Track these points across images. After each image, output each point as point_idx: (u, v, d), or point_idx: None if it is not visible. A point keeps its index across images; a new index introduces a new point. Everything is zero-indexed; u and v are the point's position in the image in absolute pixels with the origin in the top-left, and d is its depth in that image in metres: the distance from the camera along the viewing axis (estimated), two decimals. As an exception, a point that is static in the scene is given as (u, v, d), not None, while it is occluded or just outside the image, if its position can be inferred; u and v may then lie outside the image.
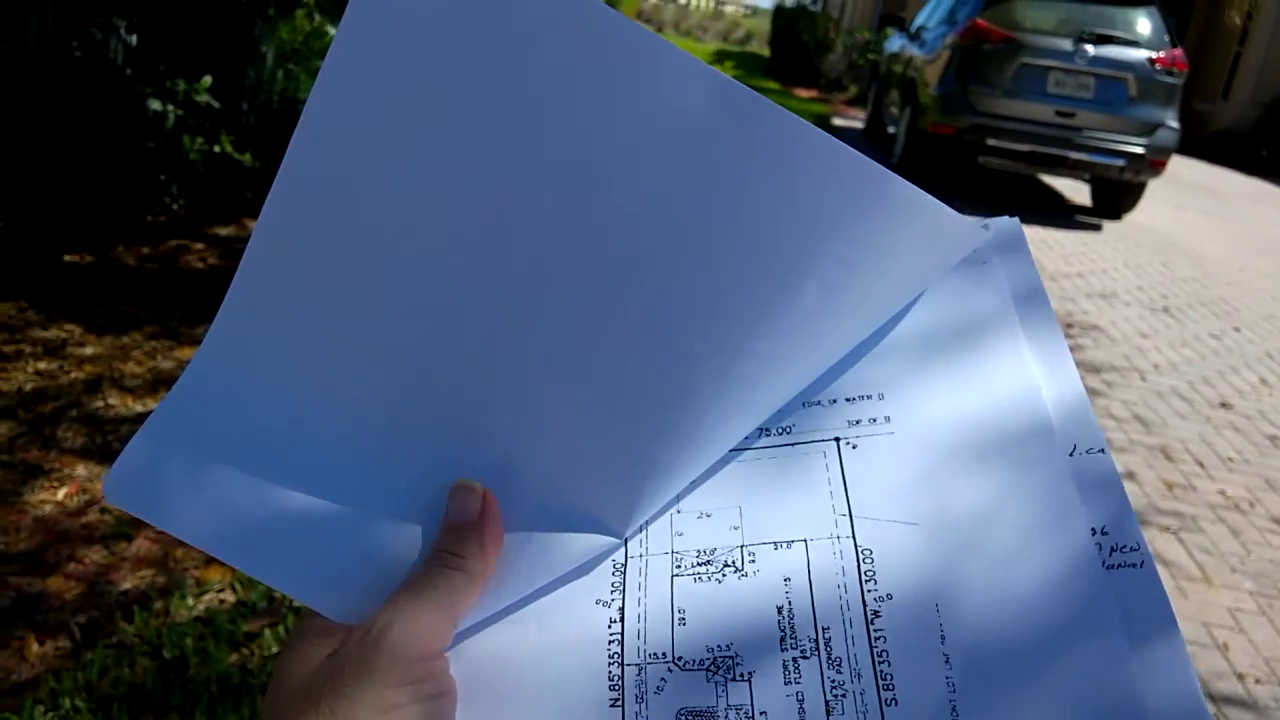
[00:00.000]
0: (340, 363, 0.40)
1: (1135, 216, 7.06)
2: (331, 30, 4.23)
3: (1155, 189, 7.20)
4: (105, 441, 2.29)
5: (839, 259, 0.39)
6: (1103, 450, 0.38)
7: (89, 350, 2.73)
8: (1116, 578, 0.34)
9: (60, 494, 2.07)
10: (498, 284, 0.39)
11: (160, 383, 2.59)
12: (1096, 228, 6.66)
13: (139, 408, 2.46)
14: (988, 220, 0.45)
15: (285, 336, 0.41)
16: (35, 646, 1.63)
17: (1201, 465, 3.07)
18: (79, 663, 1.60)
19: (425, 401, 0.40)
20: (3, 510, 1.98)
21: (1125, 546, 0.35)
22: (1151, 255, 6.02)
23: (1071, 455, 0.38)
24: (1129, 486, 2.84)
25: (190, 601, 1.76)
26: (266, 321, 0.41)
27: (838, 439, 0.40)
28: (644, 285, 0.38)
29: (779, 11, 19.06)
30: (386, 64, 0.38)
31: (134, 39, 3.50)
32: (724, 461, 0.40)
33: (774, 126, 0.37)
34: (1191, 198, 8.61)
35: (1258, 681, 2.04)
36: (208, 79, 3.63)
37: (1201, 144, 12.72)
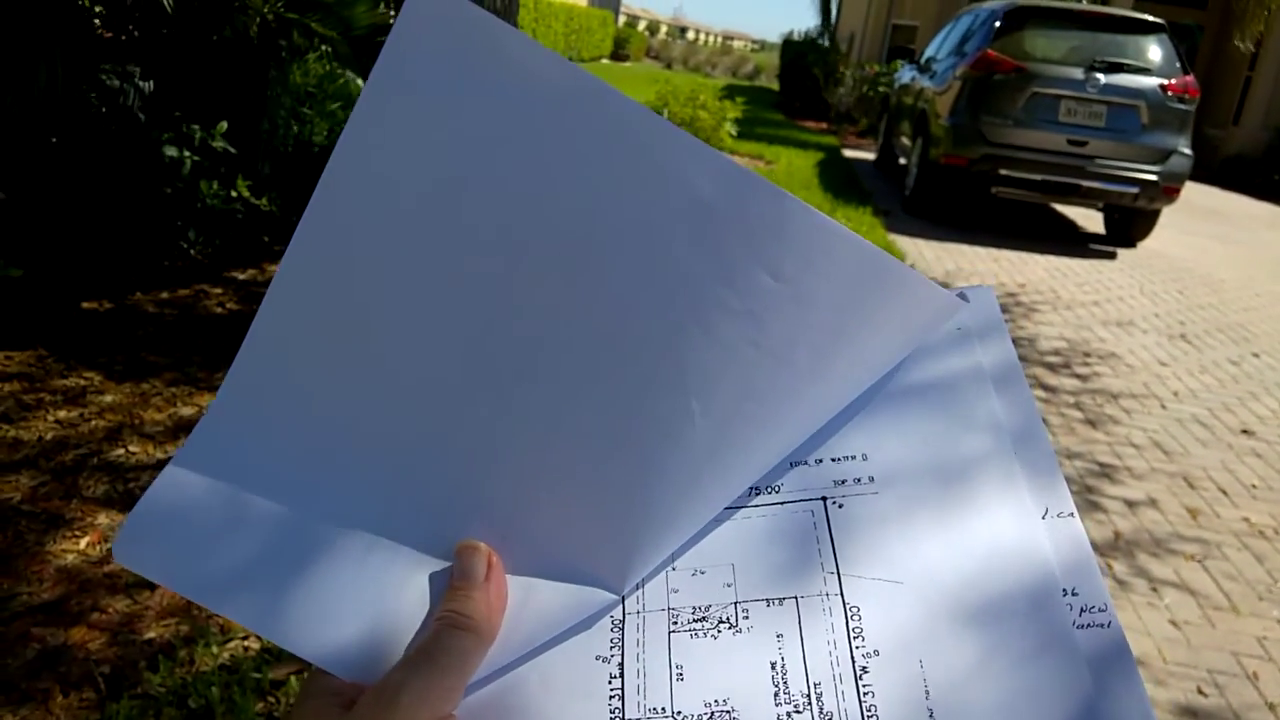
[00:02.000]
0: (348, 427, 0.41)
1: (1149, 244, 7.05)
2: (347, 75, 4.29)
3: (1169, 215, 7.19)
4: (127, 489, 2.30)
5: (831, 330, 0.41)
6: (1072, 514, 0.40)
7: (109, 398, 2.75)
8: (1086, 637, 0.37)
9: (83, 543, 2.07)
10: (502, 350, 0.41)
11: (181, 429, 2.61)
12: (1111, 256, 6.65)
13: (160, 455, 2.47)
14: (964, 289, 0.48)
15: (294, 399, 0.42)
16: (60, 699, 1.63)
17: (1224, 492, 3.04)
18: (104, 714, 1.59)
19: (431, 462, 0.41)
20: (25, 560, 1.99)
21: (1094, 607, 0.37)
22: (1167, 282, 6.00)
23: (1044, 518, 0.40)
24: (1151, 514, 2.81)
25: (215, 650, 1.76)
26: (274, 385, 0.42)
27: (825, 498, 0.42)
28: (643, 354, 0.40)
29: (787, 45, 19.22)
30: (404, 135, 0.40)
31: (149, 85, 3.54)
32: (716, 520, 0.42)
33: (770, 205, 0.39)
34: (1205, 224, 8.60)
35: (1291, 714, 2.00)
36: (224, 124, 3.66)
37: (1214, 169, 12.70)
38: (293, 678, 1.70)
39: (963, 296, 0.47)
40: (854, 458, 0.43)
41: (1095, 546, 2.56)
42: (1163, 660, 2.14)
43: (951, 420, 0.44)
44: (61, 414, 2.63)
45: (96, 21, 3.69)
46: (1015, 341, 3.59)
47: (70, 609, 1.86)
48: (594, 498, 0.40)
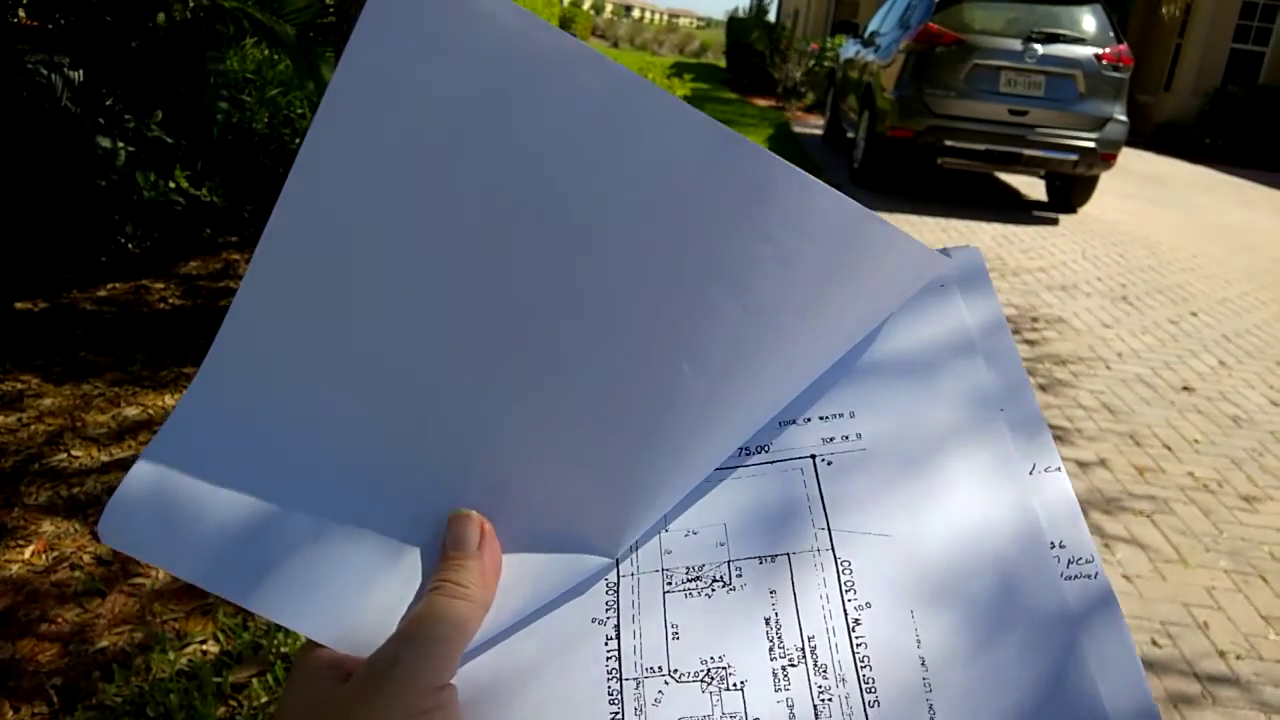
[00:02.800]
0: (336, 396, 0.41)
1: (1090, 209, 7.19)
2: (287, 60, 4.18)
3: (1107, 181, 7.34)
4: (71, 495, 2.22)
5: (817, 290, 0.41)
6: (1059, 469, 0.41)
7: (48, 401, 2.66)
8: (1073, 588, 0.37)
9: (28, 553, 2.00)
10: (488, 316, 0.40)
11: (126, 431, 2.53)
12: (1053, 222, 6.77)
13: (105, 458, 2.40)
14: (951, 249, 0.48)
15: (280, 370, 0.41)
16: (10, 715, 1.58)
17: (1169, 449, 3.13)
18: (58, 728, 1.54)
19: (420, 432, 0.41)
20: (-32, 573, 1.92)
21: (1081, 559, 0.38)
22: (1108, 246, 6.13)
23: (1031, 473, 0.41)
24: (1102, 474, 2.88)
25: (172, 656, 1.71)
26: (260, 355, 0.41)
27: (814, 456, 0.43)
28: (632, 318, 0.40)
29: (732, 22, 19.20)
30: (381, 107, 0.39)
31: (79, 75, 3.42)
32: (708, 481, 0.42)
33: (756, 166, 0.39)
34: (1142, 188, 8.80)
35: (1239, 658, 2.09)
36: (159, 113, 3.55)
37: (1148, 135, 13.00)
38: (254, 680, 1.67)
39: (946, 253, 0.47)
40: (842, 415, 0.44)
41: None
42: (1118, 615, 2.21)
43: (938, 377, 0.44)
44: (-1, 419, 2.54)
45: (21, 13, 3.55)
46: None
47: (18, 620, 1.80)
48: (585, 463, 0.40)
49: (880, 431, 0.43)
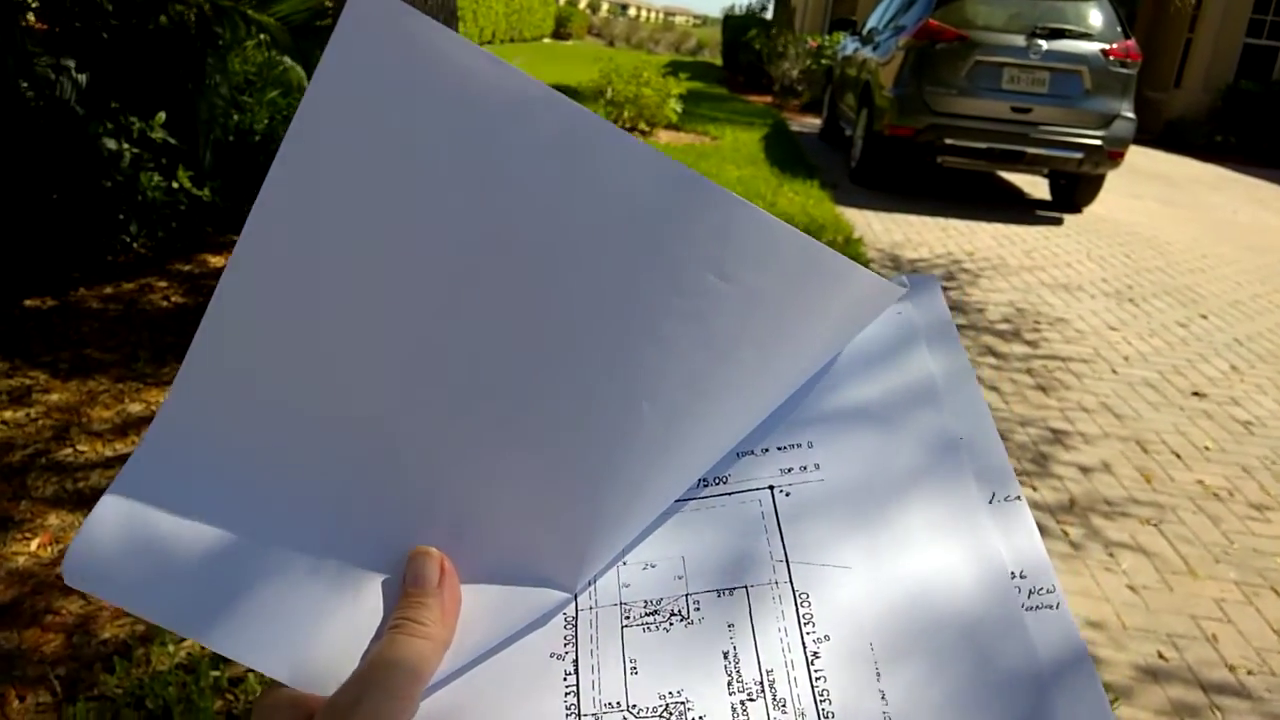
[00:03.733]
0: (299, 432, 0.41)
1: (1095, 208, 7.16)
2: (286, 61, 4.19)
3: (1114, 180, 7.31)
4: (76, 489, 2.25)
5: (774, 323, 0.42)
6: (1019, 498, 0.41)
7: (55, 397, 2.68)
8: (1035, 619, 0.37)
9: (34, 544, 2.03)
10: (449, 357, 0.40)
11: (129, 426, 2.55)
12: (1057, 221, 6.75)
13: (109, 453, 2.42)
14: (907, 275, 0.49)
15: (240, 411, 0.41)
16: (16, 703, 1.60)
17: (1177, 455, 3.09)
18: (61, 718, 1.56)
19: (381, 468, 0.41)
20: (-26, 566, 1.94)
21: (1042, 589, 0.38)
22: (1114, 246, 6.11)
23: (990, 502, 0.41)
24: (1105, 478, 2.87)
25: (171, 649, 1.73)
26: (219, 397, 0.41)
27: (772, 487, 0.43)
28: (591, 354, 0.40)
29: (729, 20, 19.17)
30: (345, 142, 0.40)
31: (84, 78, 3.44)
32: (666, 513, 0.42)
33: (713, 205, 0.40)
34: (1150, 187, 8.77)
35: (1250, 673, 2.03)
36: (162, 115, 3.57)
37: (1156, 133, 12.93)
38: (251, 675, 1.68)
39: (903, 283, 0.48)
40: (800, 445, 0.44)
41: (1050, 511, 2.62)
42: (1122, 625, 2.17)
43: (895, 406, 0.44)
44: (7, 414, 2.56)
45: (30, 16, 3.58)
46: (963, 309, 3.60)
47: (23, 611, 1.83)
48: (545, 498, 0.40)
49: (839, 462, 0.43)
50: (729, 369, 0.41)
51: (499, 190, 0.40)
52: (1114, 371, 3.82)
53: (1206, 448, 3.17)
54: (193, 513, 0.40)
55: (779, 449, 0.44)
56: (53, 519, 2.12)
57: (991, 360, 3.79)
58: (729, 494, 0.43)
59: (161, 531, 0.39)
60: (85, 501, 2.19)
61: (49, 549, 2.02)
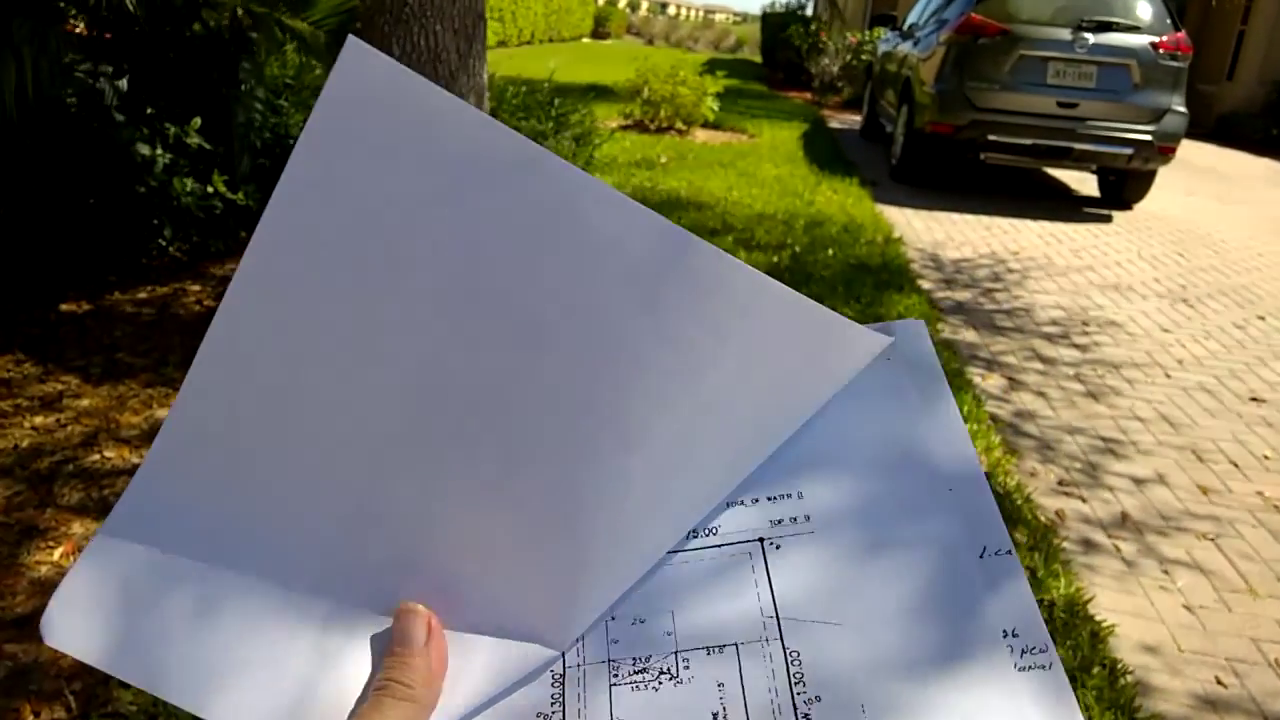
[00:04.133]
0: (281, 491, 0.41)
1: (1146, 205, 6.95)
2: (321, 68, 4.20)
3: (1165, 176, 7.08)
4: (102, 496, 2.23)
5: (763, 377, 0.43)
6: (1010, 552, 0.40)
7: (85, 402, 2.68)
8: (1027, 680, 0.36)
9: (57, 554, 2.01)
10: (439, 412, 0.40)
11: (155, 432, 2.53)
12: (1106, 219, 6.56)
13: (135, 460, 2.40)
14: (894, 323, 0.49)
15: (224, 463, 0.41)
16: (31, 718, 1.58)
17: (1236, 465, 2.94)
18: (74, 736, 1.54)
19: (369, 523, 0.41)
20: (-2, 574, 1.93)
21: (1035, 648, 0.37)
22: (1166, 245, 5.92)
23: (981, 558, 0.40)
24: (1160, 491, 2.74)
25: (189, 665, 1.70)
26: (204, 449, 0.41)
27: (761, 539, 0.42)
28: (581, 413, 0.40)
29: (768, 17, 19.04)
30: (335, 199, 0.40)
31: (125, 83, 3.47)
32: (655, 566, 0.42)
33: (703, 262, 0.40)
34: (1203, 183, 8.50)
35: (1315, 699, 1.91)
36: (197, 120, 3.59)
37: (1209, 127, 12.60)
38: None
39: (889, 331, 0.48)
40: (790, 496, 0.44)
41: (1101, 526, 2.51)
42: (1177, 649, 2.05)
43: (883, 455, 0.44)
44: (38, 420, 2.57)
45: (80, 24, 3.61)
46: (1009, 311, 3.49)
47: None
48: (534, 555, 0.40)
49: (828, 513, 0.43)
50: (718, 422, 0.42)
51: (487, 248, 0.40)
52: (1168, 376, 3.66)
53: (1266, 457, 3.01)
54: (173, 572, 0.39)
55: (769, 499, 0.44)
56: (76, 527, 2.11)
57: (1038, 365, 3.66)
58: (719, 546, 0.42)
59: (141, 591, 0.39)
60: (109, 510, 2.17)
61: (71, 558, 2.00)
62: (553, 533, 0.40)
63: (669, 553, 0.42)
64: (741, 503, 0.44)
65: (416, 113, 0.39)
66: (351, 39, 0.39)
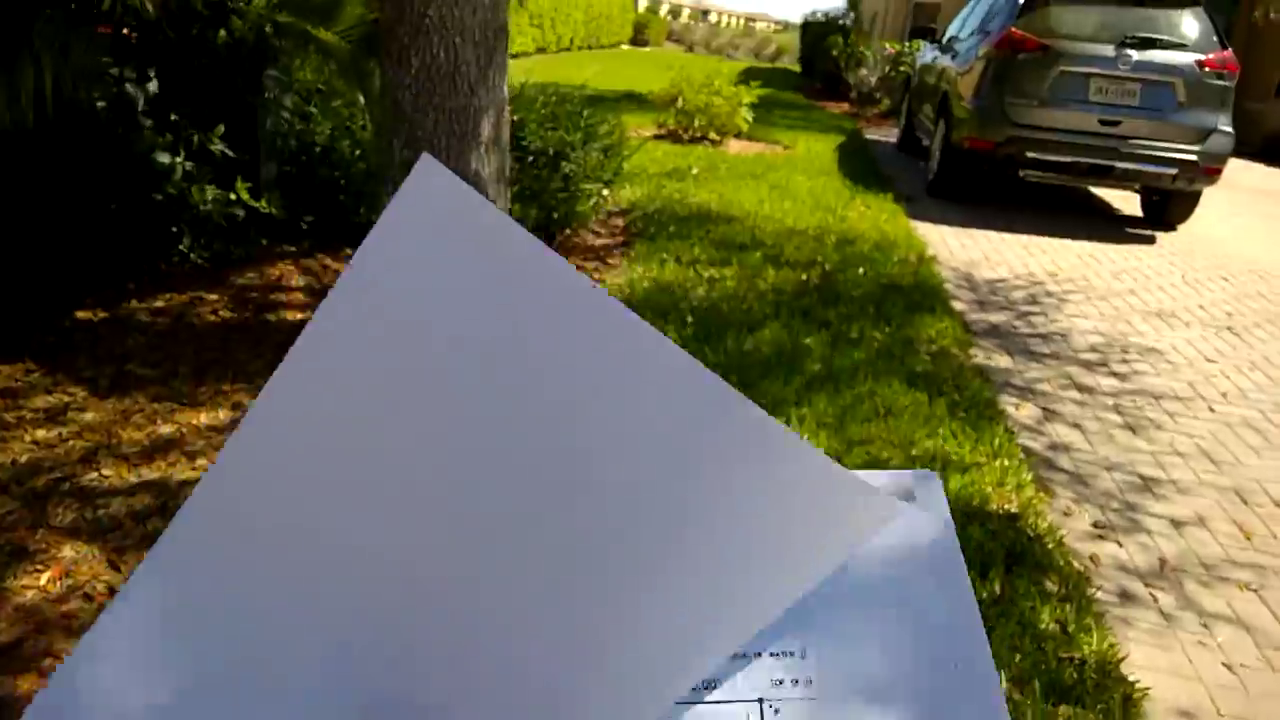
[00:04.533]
0: (280, 616, 0.40)
1: (1191, 227, 6.74)
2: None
3: (1211, 196, 6.85)
4: (95, 518, 2.18)
5: (779, 536, 0.42)
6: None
7: (89, 415, 2.64)
8: None
9: (43, 579, 1.96)
10: (453, 546, 0.40)
11: (156, 450, 2.48)
12: (1149, 240, 6.37)
13: (133, 479, 2.35)
14: (912, 472, 0.49)
15: (228, 574, 0.40)
16: (0, 758, 1.51)
17: (1281, 507, 2.78)
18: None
19: (367, 658, 0.40)
20: (-19, 599, 1.87)
21: None
22: (1211, 269, 5.72)
23: None
24: (1200, 535, 2.59)
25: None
26: (209, 557, 0.40)
27: (761, 700, 0.42)
28: (596, 560, 0.40)
29: (808, 26, 18.93)
30: (384, 309, 0.40)
31: (153, 86, 3.45)
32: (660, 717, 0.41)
33: (733, 416, 0.39)
34: (1251, 204, 8.25)
35: (1366, 773, 1.77)
36: (220, 127, 3.57)
37: (1257, 146, 12.25)
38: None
39: (910, 496, 0.48)
40: (793, 654, 0.44)
41: (1138, 575, 2.37)
42: (1216, 711, 1.91)
43: (889, 620, 0.44)
44: (40, 433, 2.52)
45: (127, 30, 3.60)
46: (1045, 336, 3.35)
47: (23, 654, 1.75)
48: (538, 703, 0.40)
49: (829, 678, 0.43)
50: (732, 579, 0.42)
51: (528, 377, 0.40)
52: (1211, 410, 3.50)
53: (1317, 501, 2.85)
54: (162, 684, 0.39)
55: (771, 655, 0.44)
56: (67, 550, 2.05)
57: (1075, 395, 3.51)
58: (718, 702, 0.42)
59: (129, 702, 0.39)
60: (101, 532, 2.12)
61: (58, 584, 1.95)
62: (558, 682, 0.40)
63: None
64: (744, 655, 0.44)
65: (477, 236, 0.39)
66: (425, 157, 0.38)
